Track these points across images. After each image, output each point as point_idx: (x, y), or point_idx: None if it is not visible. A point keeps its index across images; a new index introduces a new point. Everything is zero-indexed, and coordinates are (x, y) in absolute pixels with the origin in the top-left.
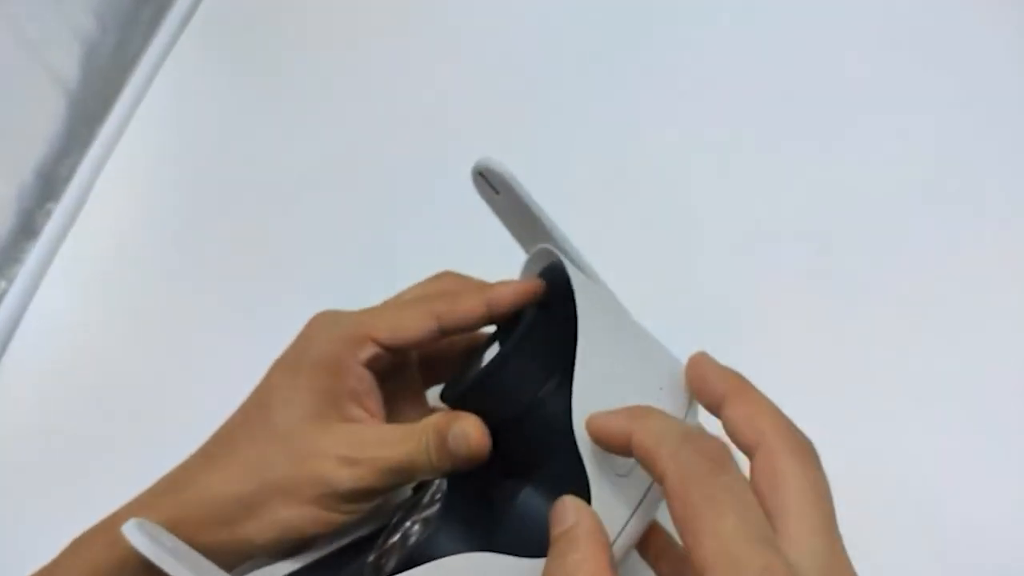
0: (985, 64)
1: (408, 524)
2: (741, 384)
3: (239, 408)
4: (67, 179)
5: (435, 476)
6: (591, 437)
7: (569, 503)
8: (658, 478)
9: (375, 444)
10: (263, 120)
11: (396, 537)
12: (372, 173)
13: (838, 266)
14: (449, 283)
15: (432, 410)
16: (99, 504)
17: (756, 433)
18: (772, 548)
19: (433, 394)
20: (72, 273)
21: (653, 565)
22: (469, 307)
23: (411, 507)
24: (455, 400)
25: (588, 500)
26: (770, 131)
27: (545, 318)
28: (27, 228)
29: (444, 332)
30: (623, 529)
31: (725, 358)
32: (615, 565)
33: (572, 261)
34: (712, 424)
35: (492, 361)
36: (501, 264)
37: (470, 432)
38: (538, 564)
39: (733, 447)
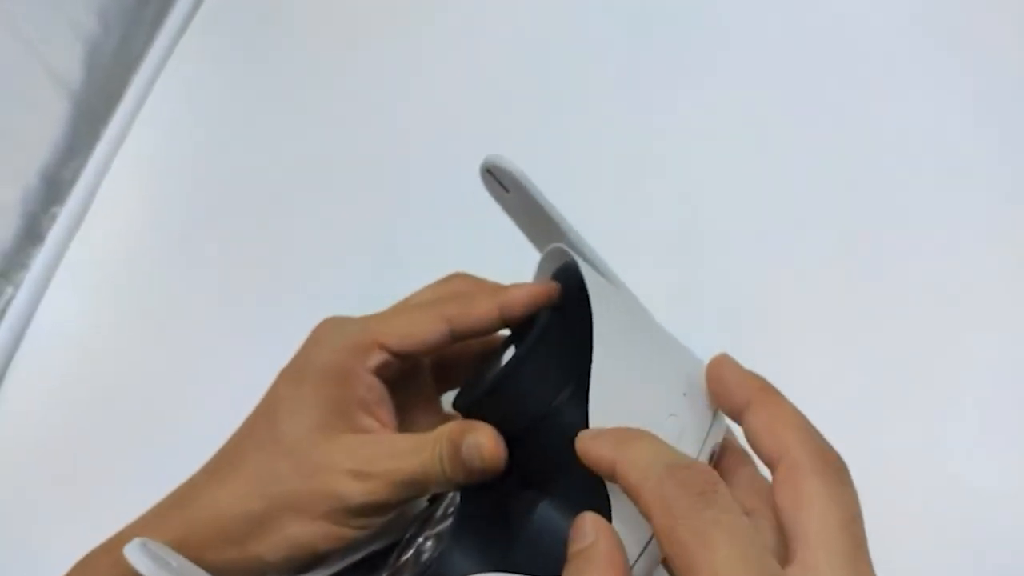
0: (1014, 45)
1: (421, 540)
2: (764, 390)
3: (245, 420)
4: (72, 182)
5: (450, 489)
6: (581, 459)
7: (589, 520)
8: (644, 515)
9: (386, 456)
10: (269, 119)
11: (409, 554)
12: (380, 173)
13: (858, 257)
14: (460, 285)
15: (447, 417)
16: (109, 512)
17: (779, 445)
18: None
19: (448, 400)
20: (79, 278)
21: None
22: (481, 311)
23: (424, 521)
24: (467, 409)
25: (609, 516)
26: (784, 121)
27: (560, 321)
28: (32, 233)
29: (456, 337)
30: (644, 549)
31: (745, 358)
32: None
33: (587, 260)
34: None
35: (504, 368)
36: (514, 265)
37: (484, 443)
38: None
39: (757, 458)
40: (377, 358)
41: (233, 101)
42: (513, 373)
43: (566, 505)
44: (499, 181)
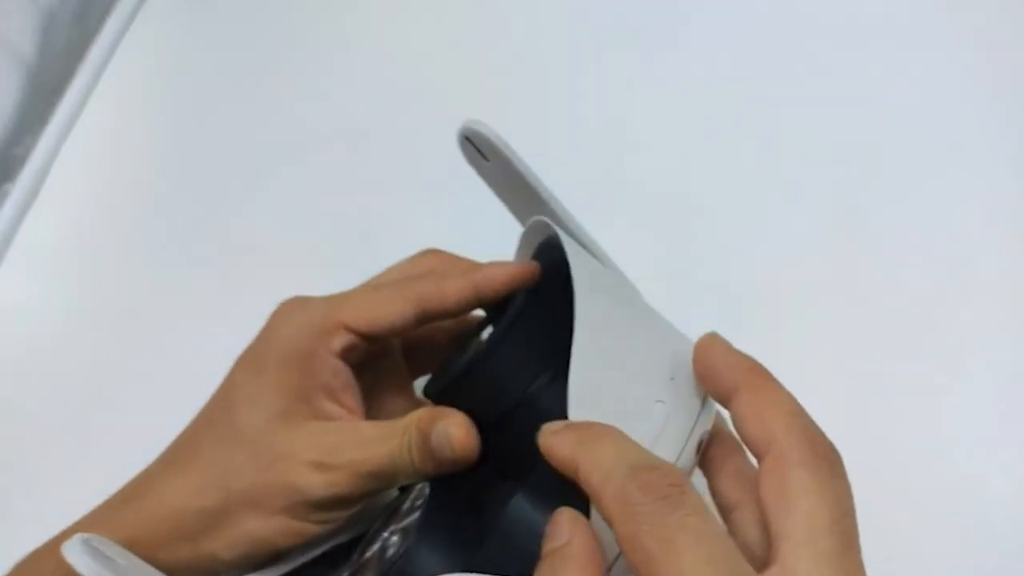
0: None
1: (386, 534)
2: (754, 371)
3: (201, 409)
4: (24, 158)
5: (419, 480)
6: (543, 455)
7: (565, 518)
8: (607, 521)
9: (351, 445)
10: (230, 95)
11: (374, 549)
12: (349, 147)
13: (855, 232)
14: (432, 262)
15: (420, 403)
16: (56, 507)
17: (766, 433)
18: None
19: (421, 385)
20: (31, 258)
21: None
22: (454, 291)
23: (391, 513)
24: (438, 395)
25: (587, 510)
26: (778, 90)
27: (539, 301)
28: None
29: (426, 318)
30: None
31: (738, 337)
32: None
33: (571, 233)
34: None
35: (477, 351)
36: (495, 240)
37: (454, 432)
38: None
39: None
40: (341, 340)
41: (193, 76)
42: (486, 357)
43: (542, 498)
44: (478, 149)
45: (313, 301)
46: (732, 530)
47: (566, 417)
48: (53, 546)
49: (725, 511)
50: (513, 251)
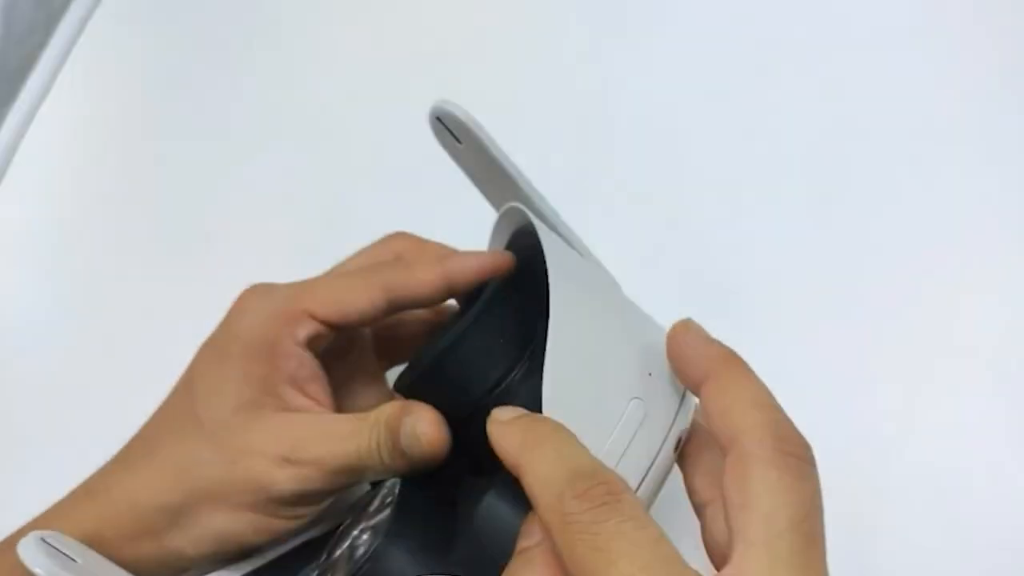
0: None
1: (356, 532)
2: (725, 362)
3: (163, 401)
4: None
5: (390, 476)
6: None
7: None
8: (545, 532)
9: (318, 439)
10: (198, 78)
11: (343, 548)
12: (321, 131)
13: (838, 220)
14: (400, 247)
15: (392, 395)
16: (14, 503)
17: (731, 429)
18: None
19: (394, 376)
20: None
21: None
22: (423, 279)
23: (362, 508)
24: (407, 389)
25: None
26: (758, 73)
27: (513, 290)
28: None
29: (395, 307)
30: None
31: (718, 326)
32: None
33: (546, 221)
34: None
35: (444, 344)
36: (470, 227)
37: (423, 429)
38: None
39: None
40: (307, 329)
41: (161, 59)
42: (454, 349)
43: (516, 495)
44: (450, 130)
45: (277, 288)
46: (704, 527)
47: (540, 412)
48: (9, 544)
49: (698, 508)
50: (487, 238)
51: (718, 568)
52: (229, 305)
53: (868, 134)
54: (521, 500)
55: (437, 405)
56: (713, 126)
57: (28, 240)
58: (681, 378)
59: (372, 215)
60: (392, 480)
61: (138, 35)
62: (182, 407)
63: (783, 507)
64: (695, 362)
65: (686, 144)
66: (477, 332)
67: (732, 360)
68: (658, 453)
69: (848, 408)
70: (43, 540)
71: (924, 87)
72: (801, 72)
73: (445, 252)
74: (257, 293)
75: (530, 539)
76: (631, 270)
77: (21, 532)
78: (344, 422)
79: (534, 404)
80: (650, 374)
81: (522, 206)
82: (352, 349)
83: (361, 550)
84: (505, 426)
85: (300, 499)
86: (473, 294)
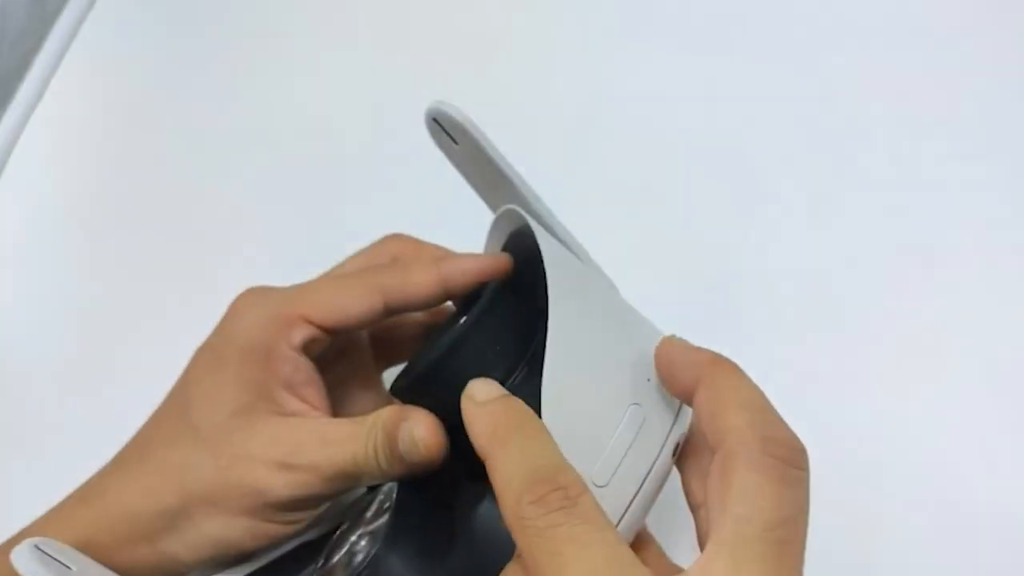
0: None
1: (354, 538)
2: (713, 366)
3: (158, 406)
4: None
5: (388, 481)
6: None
7: None
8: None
9: (315, 444)
10: (192, 83)
11: (341, 553)
12: (315, 131)
13: (840, 217)
14: (396, 249)
15: (388, 399)
16: (8, 511)
17: (718, 431)
18: None
19: (391, 377)
20: None
21: None
22: (419, 282)
23: (360, 513)
24: (403, 393)
25: None
26: (749, 71)
27: (510, 293)
28: None
29: (392, 311)
30: None
31: (712, 328)
32: None
33: (543, 223)
34: None
35: (441, 347)
36: (467, 229)
37: (420, 433)
38: None
39: None
40: (303, 333)
41: (155, 62)
42: (452, 353)
43: None
44: (446, 131)
45: (272, 292)
46: (698, 527)
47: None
48: (3, 551)
49: (693, 509)
50: (483, 239)
51: None
52: (225, 308)
53: (866, 134)
54: None
55: (434, 409)
56: (711, 126)
57: (22, 244)
58: (674, 391)
59: (369, 217)
60: (389, 484)
61: (132, 39)
62: (177, 412)
63: (759, 511)
64: (685, 372)
65: (683, 145)
66: (475, 336)
67: (721, 363)
68: (656, 459)
69: (848, 408)
70: (37, 547)
71: (923, 88)
72: (799, 72)
73: (442, 254)
74: (253, 296)
75: None
76: (628, 272)
77: (15, 539)
78: (341, 427)
79: (534, 408)
80: (649, 380)
81: (519, 208)
82: (348, 352)
83: (359, 556)
84: (478, 408)
85: (296, 504)
86: (470, 296)
